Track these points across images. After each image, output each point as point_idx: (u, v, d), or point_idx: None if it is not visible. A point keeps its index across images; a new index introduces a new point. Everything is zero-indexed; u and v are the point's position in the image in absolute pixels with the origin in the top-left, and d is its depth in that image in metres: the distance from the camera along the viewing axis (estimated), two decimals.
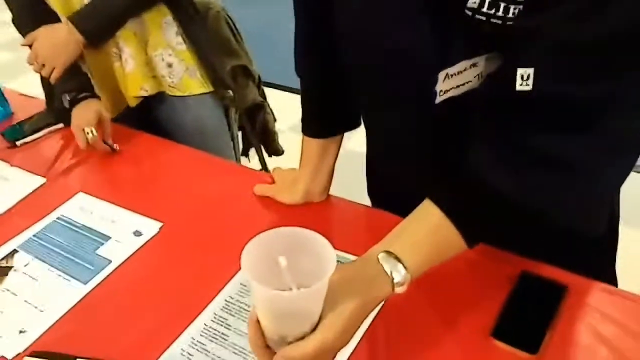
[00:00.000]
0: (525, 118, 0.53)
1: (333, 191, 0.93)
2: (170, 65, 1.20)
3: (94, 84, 1.18)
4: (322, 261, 0.49)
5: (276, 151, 1.78)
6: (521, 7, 0.51)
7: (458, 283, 0.74)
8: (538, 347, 0.64)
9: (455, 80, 0.61)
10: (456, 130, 0.62)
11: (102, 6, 1.10)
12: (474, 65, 0.60)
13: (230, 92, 1.34)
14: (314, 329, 0.50)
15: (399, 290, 0.55)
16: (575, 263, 0.71)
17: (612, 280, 0.80)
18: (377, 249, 0.56)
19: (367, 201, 0.97)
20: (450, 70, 0.60)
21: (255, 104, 1.63)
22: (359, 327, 0.54)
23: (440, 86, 0.61)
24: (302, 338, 0.50)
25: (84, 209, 0.98)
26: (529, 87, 0.51)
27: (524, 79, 0.51)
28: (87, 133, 1.07)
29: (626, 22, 0.47)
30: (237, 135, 1.70)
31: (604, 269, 0.79)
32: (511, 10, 0.52)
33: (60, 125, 1.22)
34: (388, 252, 0.55)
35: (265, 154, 1.80)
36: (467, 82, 0.61)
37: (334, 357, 0.53)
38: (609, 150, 0.52)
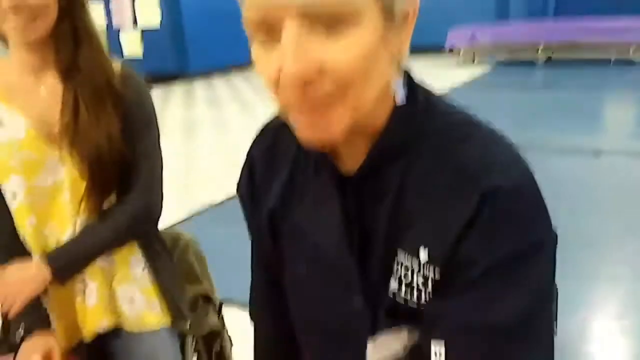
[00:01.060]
0: None
1: None
2: (131, 301, 1.25)
3: (51, 316, 1.19)
4: None
5: None
6: (430, 292, 0.61)
7: None
8: None
9: (382, 349, 0.67)
10: None
11: (78, 245, 1.16)
12: (399, 337, 0.66)
13: (188, 323, 1.37)
14: None
15: None
16: None
17: None
18: None
19: None
20: (378, 339, 0.67)
21: (213, 331, 1.65)
22: None
23: (370, 354, 0.67)
24: None
25: None
26: None
27: (437, 356, 0.59)
28: None
29: (521, 310, 0.57)
30: None
31: None
32: (423, 297, 0.62)
33: (10, 356, 1.20)
34: None
35: None
36: (394, 352, 0.67)
37: None
38: None
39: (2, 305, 1.15)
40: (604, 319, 2.36)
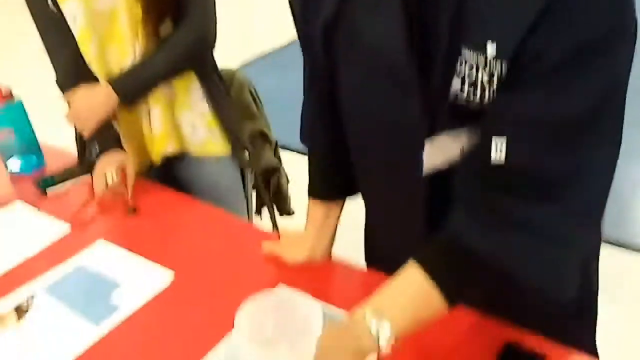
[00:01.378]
0: (498, 185, 0.60)
1: (336, 253, 0.99)
2: (194, 127, 1.31)
3: (122, 140, 1.28)
4: (309, 321, 0.54)
5: (287, 212, 1.86)
6: (495, 90, 0.60)
7: (444, 354, 0.78)
8: None
9: (439, 152, 0.68)
10: (443, 200, 0.69)
11: (141, 71, 1.21)
12: (457, 138, 0.67)
13: (247, 154, 1.43)
14: None
15: (383, 349, 0.59)
16: (556, 334, 0.75)
17: (592, 351, 0.84)
18: (364, 309, 0.61)
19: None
20: (435, 141, 0.68)
21: (271, 167, 1.73)
22: None
23: (426, 157, 0.69)
24: None
25: (102, 256, 1.05)
26: (502, 160, 0.59)
27: (498, 151, 0.59)
28: (108, 178, 1.15)
29: (589, 105, 0.55)
30: (251, 195, 1.79)
31: (583, 341, 0.83)
32: (487, 96, 0.60)
33: (87, 176, 1.31)
34: (374, 312, 0.60)
35: (277, 214, 1.88)
36: (451, 155, 0.69)
37: None
38: (574, 218, 0.58)
39: (76, 128, 1.23)
40: None
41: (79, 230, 1.14)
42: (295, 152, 2.69)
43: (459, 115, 0.64)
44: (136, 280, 0.97)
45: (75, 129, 1.32)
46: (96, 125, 1.21)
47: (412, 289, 0.63)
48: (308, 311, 0.55)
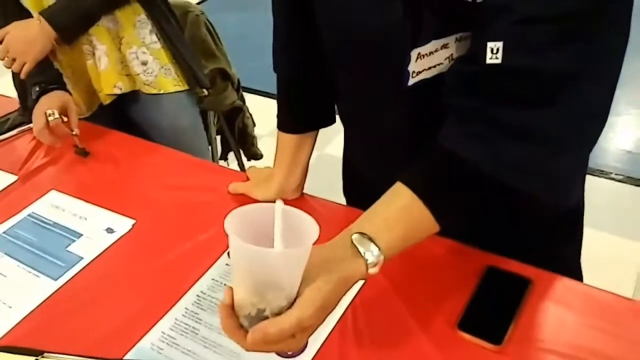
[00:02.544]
0: (494, 91, 0.55)
1: (309, 193, 0.94)
2: (144, 64, 1.21)
3: (67, 82, 1.18)
4: (304, 233, 0.50)
5: (255, 155, 1.79)
6: None
7: (426, 278, 0.75)
8: (502, 338, 0.65)
9: (427, 61, 0.62)
10: (430, 117, 0.63)
11: (73, 2, 1.10)
12: (445, 46, 0.61)
13: (206, 91, 1.34)
14: (290, 306, 0.51)
15: (372, 271, 0.55)
16: (541, 258, 0.73)
17: (577, 275, 0.83)
18: (350, 231, 0.57)
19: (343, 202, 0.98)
20: (422, 50, 0.61)
21: (234, 107, 1.64)
22: (335, 306, 0.54)
23: (412, 67, 0.63)
24: (278, 314, 0.50)
25: (56, 206, 0.97)
26: (499, 60, 0.53)
27: (494, 52, 0.53)
28: (49, 115, 1.05)
29: None
30: (215, 139, 1.71)
31: (569, 264, 0.81)
32: None
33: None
34: (361, 234, 0.55)
35: (244, 158, 1.81)
36: (439, 65, 0.63)
37: (310, 335, 0.53)
38: (574, 120, 0.54)
39: (13, 67, 1.11)
40: None
41: (28, 182, 1.05)
42: (260, 95, 2.59)
43: (447, 20, 0.58)
44: (95, 232, 0.90)
45: (13, 73, 1.20)
46: (33, 61, 1.09)
47: (399, 209, 0.58)
48: (302, 223, 0.50)
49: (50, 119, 1.06)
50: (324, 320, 0.53)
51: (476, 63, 0.55)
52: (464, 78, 0.58)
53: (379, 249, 0.55)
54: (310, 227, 0.50)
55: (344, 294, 0.55)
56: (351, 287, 0.56)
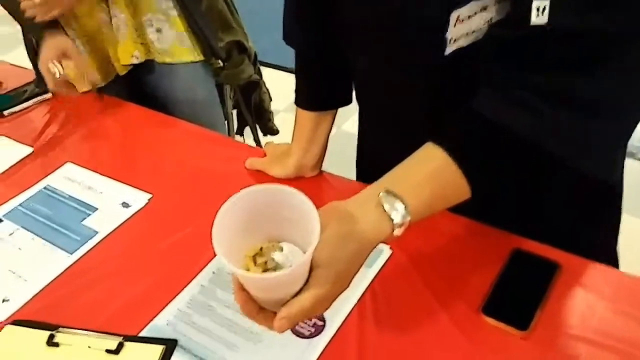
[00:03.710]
0: (538, 56, 0.51)
1: (326, 171, 0.91)
2: (159, 31, 1.18)
3: (83, 53, 1.15)
4: (302, 212, 0.48)
5: (271, 130, 1.76)
6: None
7: (449, 259, 0.72)
8: (528, 324, 0.63)
9: (465, 26, 0.58)
10: (450, 95, 0.60)
11: None
12: (484, 8, 0.57)
13: (221, 62, 1.31)
14: (306, 282, 0.49)
15: (397, 232, 0.51)
16: (571, 242, 0.70)
17: (612, 260, 0.79)
18: (376, 188, 0.53)
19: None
20: (462, 12, 0.57)
21: (251, 81, 1.60)
22: (356, 271, 0.51)
23: (451, 32, 0.58)
24: (297, 293, 0.49)
25: (71, 179, 0.96)
26: (545, 20, 0.49)
27: (540, 11, 0.49)
28: (54, 73, 1.06)
29: None
30: (232, 113, 1.68)
31: (602, 250, 0.78)
32: None
33: (49, 95, 1.19)
34: (388, 191, 0.52)
35: (260, 133, 1.78)
36: (477, 30, 0.59)
37: (335, 300, 0.51)
38: (628, 84, 0.50)
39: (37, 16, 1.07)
40: None
41: (44, 154, 1.04)
42: (277, 69, 2.54)
43: None
44: (110, 206, 0.89)
45: (27, 45, 1.18)
46: (58, 14, 1.05)
47: (431, 170, 0.54)
48: (298, 203, 0.48)
49: (57, 76, 1.06)
50: (346, 287, 0.51)
51: (518, 27, 0.51)
52: (504, 43, 0.54)
53: (406, 208, 0.51)
54: (307, 208, 0.48)
55: (365, 259, 0.52)
56: (371, 251, 0.52)
